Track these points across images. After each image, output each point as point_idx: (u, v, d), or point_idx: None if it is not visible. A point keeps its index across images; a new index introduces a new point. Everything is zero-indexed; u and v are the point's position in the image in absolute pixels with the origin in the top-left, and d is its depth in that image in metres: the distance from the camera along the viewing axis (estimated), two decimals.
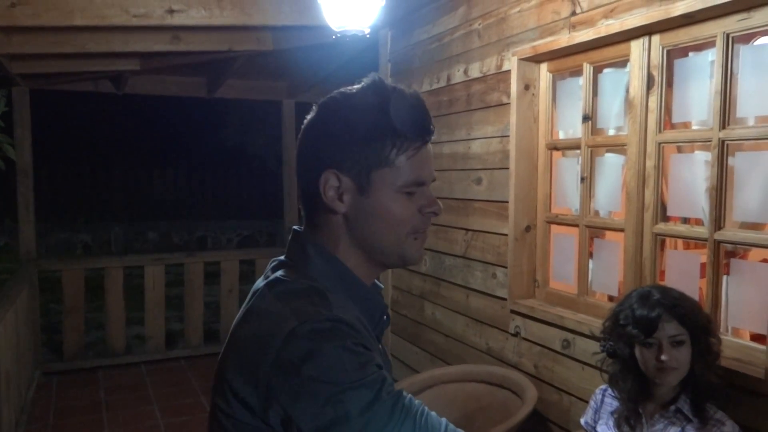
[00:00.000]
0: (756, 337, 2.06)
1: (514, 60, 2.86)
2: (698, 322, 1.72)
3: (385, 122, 0.96)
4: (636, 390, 1.80)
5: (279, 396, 0.86)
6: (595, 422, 1.95)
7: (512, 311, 2.96)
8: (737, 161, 2.04)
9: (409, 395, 0.90)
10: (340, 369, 0.84)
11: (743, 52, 2.01)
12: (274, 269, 1.03)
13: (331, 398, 0.83)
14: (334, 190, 0.98)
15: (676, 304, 1.72)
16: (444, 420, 0.91)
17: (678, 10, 2.05)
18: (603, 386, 1.97)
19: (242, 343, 0.95)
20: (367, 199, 0.98)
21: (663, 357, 1.69)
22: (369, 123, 0.97)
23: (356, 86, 1.01)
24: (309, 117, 1.03)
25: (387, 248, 1.01)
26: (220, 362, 0.98)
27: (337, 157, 0.97)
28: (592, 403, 1.99)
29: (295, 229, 1.06)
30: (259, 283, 1.03)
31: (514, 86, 2.87)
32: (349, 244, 1.01)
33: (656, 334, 1.70)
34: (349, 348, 0.86)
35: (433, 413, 0.91)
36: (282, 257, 1.05)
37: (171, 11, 3.29)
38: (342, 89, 1.02)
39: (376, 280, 1.09)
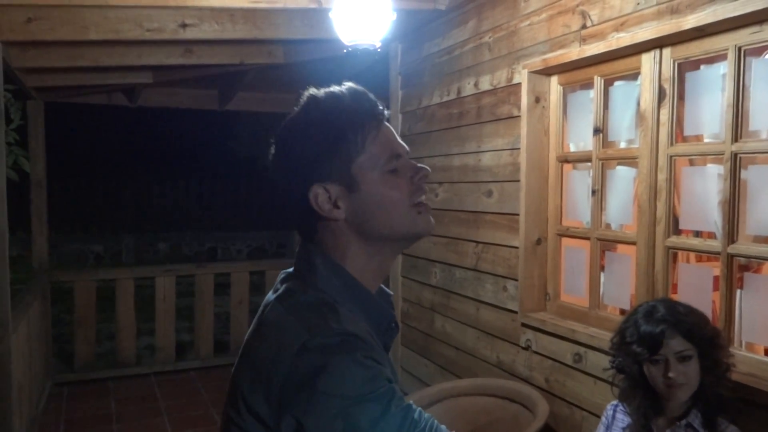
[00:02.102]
0: None
1: (525, 73, 2.87)
2: (705, 336, 1.71)
3: (340, 121, 1.00)
4: (646, 405, 1.78)
5: (291, 409, 0.87)
6: None
7: (523, 324, 2.95)
8: (750, 174, 2.03)
9: (419, 409, 0.91)
10: (350, 383, 0.86)
11: (755, 65, 2.00)
12: (283, 281, 1.05)
13: (342, 412, 0.84)
14: (327, 201, 1.00)
15: (681, 320, 1.70)
16: None
17: (689, 23, 2.06)
18: (614, 402, 1.95)
19: (255, 357, 0.96)
20: (359, 194, 1.00)
21: (670, 374, 1.68)
22: (325, 129, 1.00)
23: (298, 108, 1.05)
24: (272, 147, 1.06)
25: (398, 231, 1.02)
26: (234, 374, 1.00)
27: (315, 170, 1.00)
28: (603, 419, 1.98)
29: (302, 242, 1.07)
30: (270, 296, 1.05)
31: (524, 99, 2.87)
32: (357, 245, 1.02)
33: (662, 350, 1.69)
34: (358, 361, 0.88)
35: (443, 426, 0.91)
36: (290, 270, 1.07)
37: (184, 25, 3.33)
38: (289, 115, 1.06)
39: (384, 288, 1.10)
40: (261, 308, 1.05)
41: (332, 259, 1.02)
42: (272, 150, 1.07)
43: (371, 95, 1.05)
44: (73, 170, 13.32)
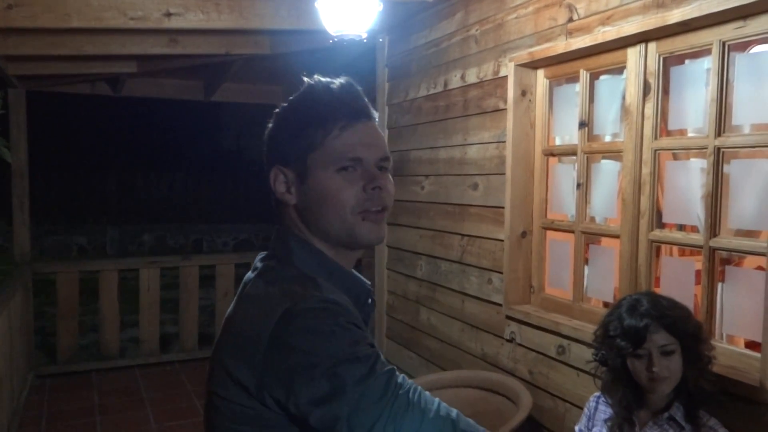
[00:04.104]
0: (750, 345, 2.06)
1: (511, 66, 2.87)
2: (688, 330, 1.72)
3: (310, 112, 1.04)
4: (629, 398, 1.80)
5: (275, 373, 0.88)
6: (589, 429, 1.95)
7: (507, 317, 2.96)
8: (733, 169, 2.04)
9: (402, 375, 0.93)
10: (335, 343, 0.88)
11: (739, 60, 2.01)
12: (262, 260, 1.08)
13: (327, 371, 0.86)
14: (283, 184, 1.05)
15: (665, 314, 1.71)
16: (437, 399, 0.93)
17: (674, 17, 2.06)
18: (597, 393, 1.97)
19: (237, 328, 0.98)
20: (307, 185, 1.03)
21: (654, 368, 1.69)
22: (297, 116, 1.05)
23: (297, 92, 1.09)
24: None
25: (337, 230, 1.03)
26: (214, 350, 1.01)
27: (279, 153, 1.05)
28: (585, 410, 1.99)
29: (278, 226, 1.10)
30: (249, 274, 1.07)
31: (510, 92, 2.88)
32: (308, 232, 1.05)
33: (645, 344, 1.70)
34: (342, 325, 0.90)
35: (427, 393, 0.93)
36: (267, 251, 1.09)
37: (168, 14, 3.29)
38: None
39: (353, 271, 1.11)
40: (240, 287, 1.07)
41: (303, 239, 1.05)
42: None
43: (359, 94, 1.06)
44: (56, 160, 13.18)
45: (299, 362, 0.87)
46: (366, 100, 1.07)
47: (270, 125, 1.09)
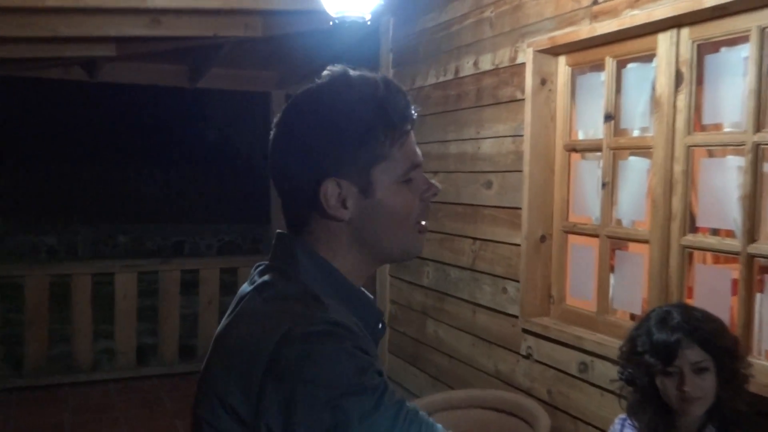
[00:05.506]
0: None
1: (530, 52, 2.88)
2: (723, 346, 1.73)
3: (374, 116, 0.99)
4: (657, 421, 1.80)
5: (273, 402, 0.87)
6: None
7: (524, 330, 2.97)
8: None
9: (413, 404, 0.92)
10: (339, 373, 0.86)
11: None
12: (261, 273, 1.05)
13: (330, 403, 0.85)
14: (336, 198, 1.00)
15: (698, 327, 1.72)
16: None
17: (709, 1, 2.08)
18: (622, 416, 1.98)
19: (230, 349, 0.97)
20: (371, 200, 1.01)
21: (685, 387, 1.69)
22: (358, 120, 0.99)
23: (323, 81, 1.03)
24: (281, 119, 1.05)
25: (394, 245, 1.05)
26: (203, 371, 1.00)
27: (335, 162, 0.99)
28: None
29: (280, 233, 1.08)
30: (246, 288, 1.05)
31: (529, 81, 2.89)
32: (350, 249, 1.04)
33: (676, 361, 1.71)
34: (347, 351, 0.89)
35: (439, 426, 0.93)
36: (267, 262, 1.08)
37: None
38: (309, 87, 1.04)
39: (364, 290, 1.12)
40: (235, 301, 1.05)
41: (318, 253, 1.03)
42: (280, 121, 1.05)
43: (406, 93, 1.04)
44: (24, 152, 13.21)
45: (299, 392, 0.86)
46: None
47: (299, 124, 1.03)
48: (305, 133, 1.02)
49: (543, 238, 2.95)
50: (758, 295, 2.10)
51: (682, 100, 2.30)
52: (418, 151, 1.06)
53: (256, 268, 1.08)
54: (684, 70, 2.28)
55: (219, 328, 1.04)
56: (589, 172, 2.81)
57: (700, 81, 2.28)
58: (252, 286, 1.03)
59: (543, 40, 2.82)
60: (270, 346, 0.88)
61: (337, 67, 1.04)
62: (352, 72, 1.03)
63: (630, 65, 2.59)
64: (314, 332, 0.89)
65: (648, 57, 2.47)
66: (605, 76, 2.64)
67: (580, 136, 2.88)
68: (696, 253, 2.42)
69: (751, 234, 2.07)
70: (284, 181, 1.04)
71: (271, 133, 1.06)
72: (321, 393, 0.85)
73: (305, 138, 1.01)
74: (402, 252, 1.07)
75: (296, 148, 1.02)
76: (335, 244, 1.03)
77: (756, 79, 2.04)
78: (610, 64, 2.61)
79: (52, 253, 12.61)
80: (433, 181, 1.07)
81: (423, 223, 1.06)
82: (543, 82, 2.90)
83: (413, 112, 1.04)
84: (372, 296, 1.15)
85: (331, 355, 0.87)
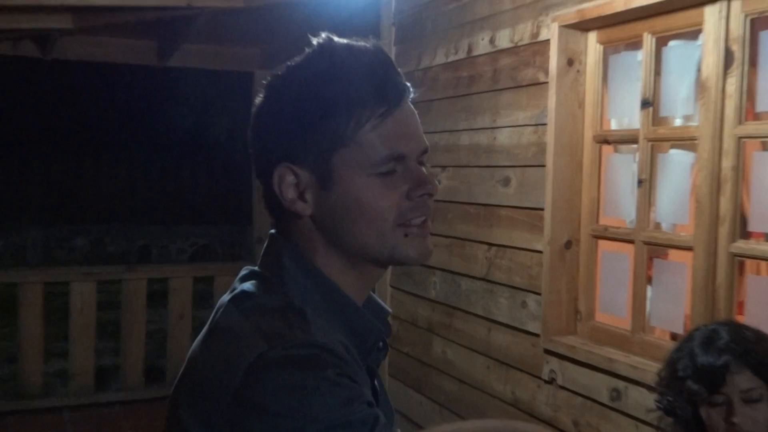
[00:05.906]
0: None
1: (555, 27, 2.88)
2: None
3: (334, 91, 0.98)
4: None
5: None
6: None
7: (546, 351, 2.98)
8: None
9: None
10: (321, 405, 0.85)
11: None
12: (243, 280, 1.05)
13: None
14: (294, 189, 1.00)
15: (749, 349, 1.72)
16: None
17: None
18: None
19: (199, 372, 0.96)
20: (332, 193, 0.99)
21: (734, 419, 1.69)
22: (316, 97, 0.98)
23: (302, 55, 1.03)
24: (256, 102, 1.06)
25: (371, 252, 1.02)
26: (172, 395, 1.00)
27: (288, 146, 0.99)
28: None
29: (272, 234, 1.08)
30: (225, 297, 1.05)
31: (553, 61, 2.89)
32: (326, 250, 1.03)
33: (724, 389, 1.71)
34: (330, 379, 0.87)
35: None
36: (255, 267, 1.08)
37: None
38: (289, 62, 1.04)
39: (378, 300, 1.11)
40: (213, 312, 1.05)
41: (305, 260, 1.03)
42: (257, 102, 1.06)
43: (393, 63, 1.03)
44: None
45: (272, 427, 0.85)
46: (399, 69, 1.03)
47: (262, 102, 1.04)
48: (267, 113, 1.03)
49: (569, 244, 2.95)
50: None
51: (732, 84, 2.30)
52: (419, 136, 1.04)
53: (241, 272, 1.08)
54: (735, 48, 2.28)
55: (194, 344, 1.03)
56: (623, 168, 2.82)
57: (753, 62, 2.28)
58: (230, 296, 1.03)
59: (570, 13, 2.82)
60: (239, 373, 0.87)
61: (323, 35, 1.03)
62: (337, 40, 1.02)
63: (672, 43, 2.59)
64: (291, 357, 0.88)
65: (693, 34, 2.47)
66: (643, 56, 2.64)
67: (613, 125, 2.89)
68: (748, 262, 2.43)
69: None
70: (258, 174, 1.06)
71: None
72: (299, 429, 0.84)
73: (267, 119, 1.03)
74: (389, 257, 1.02)
75: (259, 130, 1.04)
76: (310, 244, 1.03)
77: None
78: (648, 41, 2.61)
79: None
80: (432, 179, 1.03)
81: (414, 222, 1.01)
82: (570, 62, 2.90)
83: (399, 88, 1.02)
84: (388, 308, 1.14)
85: (310, 384, 0.86)
